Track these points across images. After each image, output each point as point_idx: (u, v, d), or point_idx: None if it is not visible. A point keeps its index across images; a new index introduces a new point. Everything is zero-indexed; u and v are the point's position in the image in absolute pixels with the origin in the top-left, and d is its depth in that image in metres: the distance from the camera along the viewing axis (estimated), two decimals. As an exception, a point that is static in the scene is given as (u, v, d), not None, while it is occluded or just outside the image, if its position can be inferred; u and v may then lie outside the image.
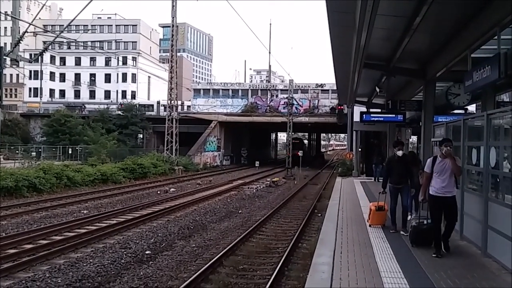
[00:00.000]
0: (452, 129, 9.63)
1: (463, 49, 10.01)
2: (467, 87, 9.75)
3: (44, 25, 62.38)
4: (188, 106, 59.93)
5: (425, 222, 7.89)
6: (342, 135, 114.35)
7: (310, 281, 6.29)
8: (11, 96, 74.80)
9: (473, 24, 9.08)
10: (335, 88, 33.24)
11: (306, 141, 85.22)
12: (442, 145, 7.58)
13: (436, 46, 11.72)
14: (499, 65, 7.65)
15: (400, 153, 9.67)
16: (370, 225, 10.06)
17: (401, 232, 9.23)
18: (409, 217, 11.33)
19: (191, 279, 8.56)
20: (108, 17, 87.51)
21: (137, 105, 55.94)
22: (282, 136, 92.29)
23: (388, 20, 9.86)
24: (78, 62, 79.75)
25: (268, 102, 57.42)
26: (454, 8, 8.90)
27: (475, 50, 9.71)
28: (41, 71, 71.53)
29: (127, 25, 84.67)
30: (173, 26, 39.68)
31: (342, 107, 40.24)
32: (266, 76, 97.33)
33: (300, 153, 37.23)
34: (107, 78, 78.45)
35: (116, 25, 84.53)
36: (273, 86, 64.11)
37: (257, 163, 40.38)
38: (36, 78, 73.25)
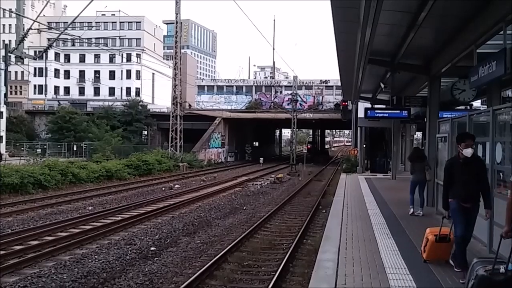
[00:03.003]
0: (457, 125, 9.59)
1: (468, 44, 9.93)
2: (472, 83, 9.67)
3: (48, 22, 62.64)
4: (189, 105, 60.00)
5: (501, 269, 4.68)
6: (347, 132, 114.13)
7: (315, 277, 6.29)
8: (16, 93, 75.06)
9: (479, 19, 9.01)
10: (339, 84, 33.21)
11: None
12: None
13: (441, 41, 11.64)
14: (505, 61, 7.59)
15: (469, 152, 6.14)
16: (425, 261, 6.80)
17: (452, 263, 6.36)
18: (411, 211, 11.37)
19: (196, 275, 8.57)
20: (112, 14, 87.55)
21: (142, 101, 56.20)
22: (286, 133, 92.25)
23: (393, 16, 9.80)
24: (82, 59, 79.90)
25: (272, 99, 57.42)
26: (459, 3, 8.84)
27: (481, 45, 9.64)
28: (46, 68, 71.82)
29: (131, 22, 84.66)
30: (177, 22, 39.67)
31: (346, 103, 40.16)
32: (270, 73, 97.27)
33: (304, 150, 37.30)
34: (112, 75, 78.56)
35: (120, 22, 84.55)
36: (277, 82, 64.04)
37: (261, 160, 40.40)
38: (40, 75, 73.50)
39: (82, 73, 78.49)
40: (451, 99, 14.57)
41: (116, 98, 72.03)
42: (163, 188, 24.20)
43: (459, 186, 6.26)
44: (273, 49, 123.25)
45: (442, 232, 6.58)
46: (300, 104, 50.17)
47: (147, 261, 10.13)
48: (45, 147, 42.52)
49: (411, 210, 11.33)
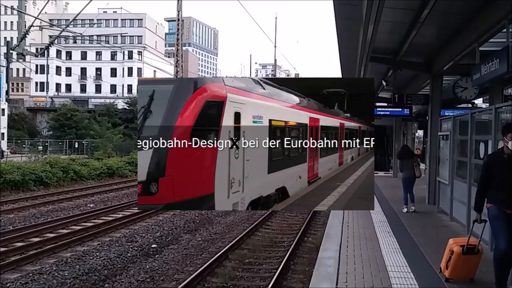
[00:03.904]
0: (459, 123, 9.56)
1: (471, 42, 9.90)
2: (474, 81, 9.65)
3: (50, 19, 62.52)
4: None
5: None
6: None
7: (316, 275, 6.28)
8: (17, 91, 75.07)
9: (481, 17, 8.97)
10: (341, 82, 33.08)
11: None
12: None
13: (444, 39, 11.60)
14: (508, 59, 7.56)
15: None
16: (448, 279, 5.67)
17: None
18: (404, 209, 11.40)
19: (197, 272, 8.58)
20: (113, 11, 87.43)
21: None
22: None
23: (395, 13, 9.77)
24: (84, 56, 79.87)
25: (274, 96, 57.44)
26: (462, 1, 8.80)
27: (483, 43, 9.61)
28: (47, 65, 71.78)
29: (133, 19, 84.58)
30: (178, 20, 39.68)
31: (348, 101, 40.08)
32: (272, 70, 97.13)
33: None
34: (113, 72, 78.53)
35: (122, 19, 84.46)
36: (279, 80, 63.98)
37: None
38: (42, 72, 73.50)
39: (83, 71, 78.49)
40: (453, 97, 14.55)
41: (117, 95, 72.06)
42: (165, 186, 24.18)
43: (500, 188, 5.19)
44: (275, 46, 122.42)
45: (470, 243, 5.50)
46: (302, 102, 50.16)
47: (148, 258, 10.14)
48: (46, 144, 42.59)
49: (405, 209, 11.40)
